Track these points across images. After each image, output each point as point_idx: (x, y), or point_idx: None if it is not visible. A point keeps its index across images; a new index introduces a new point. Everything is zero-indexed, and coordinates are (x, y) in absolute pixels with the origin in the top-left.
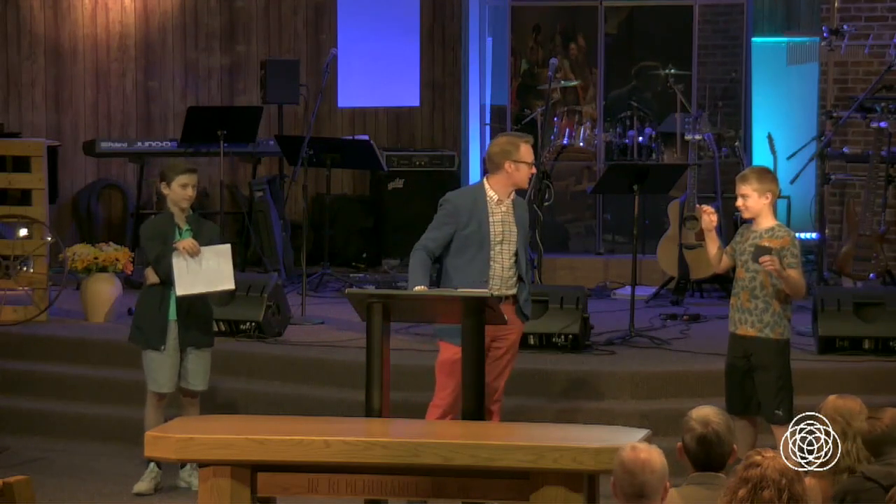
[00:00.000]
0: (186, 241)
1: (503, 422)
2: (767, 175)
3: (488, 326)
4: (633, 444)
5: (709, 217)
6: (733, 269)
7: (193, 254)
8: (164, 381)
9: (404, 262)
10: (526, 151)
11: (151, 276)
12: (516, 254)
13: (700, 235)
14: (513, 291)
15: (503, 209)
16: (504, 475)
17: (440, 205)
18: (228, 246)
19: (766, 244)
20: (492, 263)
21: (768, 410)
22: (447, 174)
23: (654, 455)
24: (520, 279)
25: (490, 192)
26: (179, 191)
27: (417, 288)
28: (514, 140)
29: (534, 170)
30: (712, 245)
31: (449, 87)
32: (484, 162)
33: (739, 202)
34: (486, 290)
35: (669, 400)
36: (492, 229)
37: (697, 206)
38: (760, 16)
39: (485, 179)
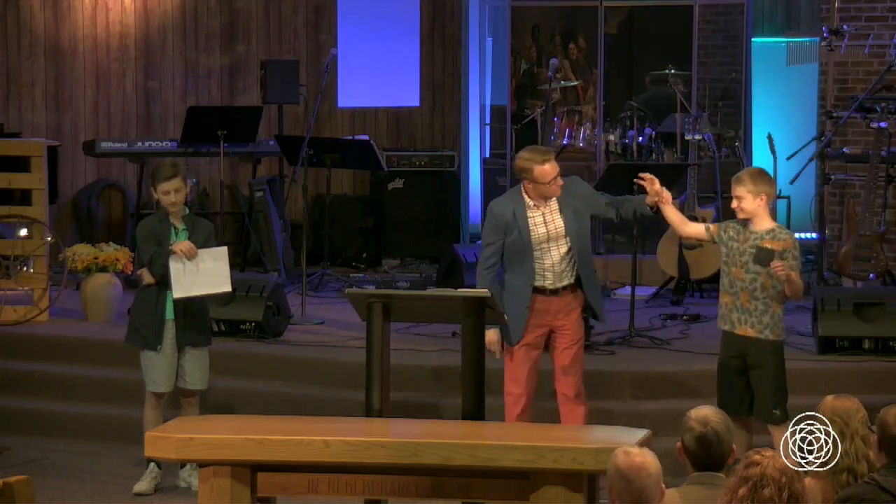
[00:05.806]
0: (183, 244)
1: (501, 422)
2: (762, 177)
3: (543, 319)
4: (626, 449)
5: (651, 185)
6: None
7: (190, 257)
8: (161, 381)
9: (404, 263)
10: (541, 173)
11: (147, 277)
12: (570, 247)
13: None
14: (570, 281)
15: (543, 210)
16: (504, 475)
17: (486, 216)
18: (225, 248)
19: (769, 246)
20: (537, 264)
21: (765, 411)
22: (447, 174)
23: (648, 458)
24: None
25: (527, 199)
26: (163, 198)
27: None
28: (531, 160)
29: (559, 182)
30: (671, 213)
31: (449, 87)
32: (485, 162)
33: (734, 203)
34: (484, 290)
35: (669, 400)
36: (532, 233)
37: (640, 174)
38: (760, 16)
39: (521, 184)
